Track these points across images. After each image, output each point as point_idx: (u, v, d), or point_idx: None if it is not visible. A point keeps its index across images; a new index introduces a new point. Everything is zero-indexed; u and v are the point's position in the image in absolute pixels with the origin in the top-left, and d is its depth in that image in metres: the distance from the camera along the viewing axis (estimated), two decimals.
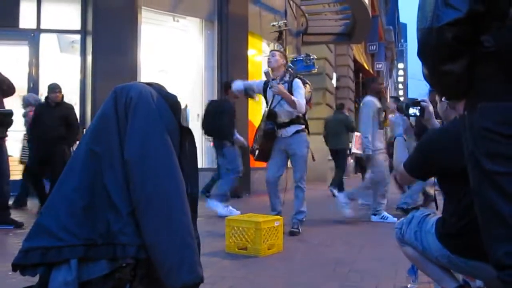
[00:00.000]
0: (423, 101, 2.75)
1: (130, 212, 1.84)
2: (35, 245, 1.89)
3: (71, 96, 9.34)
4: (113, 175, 1.85)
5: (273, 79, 5.22)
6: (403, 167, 2.49)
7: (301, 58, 5.65)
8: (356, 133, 10.71)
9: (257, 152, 5.24)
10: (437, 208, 2.72)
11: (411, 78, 78.72)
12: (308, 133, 5.43)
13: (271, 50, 5.45)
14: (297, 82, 5.19)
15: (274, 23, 6.57)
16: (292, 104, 5.01)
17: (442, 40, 1.35)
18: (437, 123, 2.74)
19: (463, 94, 1.49)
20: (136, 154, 1.84)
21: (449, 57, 1.39)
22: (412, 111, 2.72)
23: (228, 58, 10.52)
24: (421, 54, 1.46)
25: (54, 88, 6.65)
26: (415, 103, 2.74)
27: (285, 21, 7.18)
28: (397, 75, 59.56)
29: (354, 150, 10.36)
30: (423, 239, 2.45)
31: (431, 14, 1.35)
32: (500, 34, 1.33)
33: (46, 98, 6.77)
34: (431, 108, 2.73)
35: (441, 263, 2.38)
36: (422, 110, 2.70)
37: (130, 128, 1.86)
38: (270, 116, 5.18)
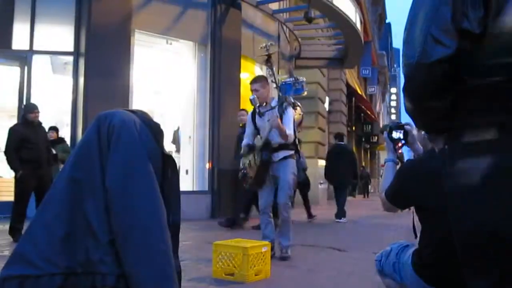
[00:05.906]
0: (407, 124, 2.68)
1: (110, 240, 1.82)
2: (13, 274, 1.85)
3: (63, 117, 9.36)
4: (94, 203, 1.84)
5: (259, 106, 5.29)
6: (384, 195, 2.48)
7: (290, 82, 5.64)
8: None
9: (250, 180, 5.23)
10: (416, 237, 2.71)
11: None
12: (299, 156, 5.47)
13: (252, 82, 5.44)
14: (289, 111, 5.25)
15: (262, 46, 6.60)
16: (284, 137, 5.13)
17: (432, 76, 1.33)
18: (420, 148, 2.71)
19: (443, 129, 1.50)
20: (117, 182, 1.83)
21: (435, 93, 1.38)
22: (395, 134, 2.66)
23: (221, 81, 10.58)
24: (407, 89, 1.45)
25: (33, 108, 6.40)
26: (399, 126, 2.68)
27: (272, 42, 7.17)
28: (390, 100, 60.09)
29: None
30: (401, 270, 2.44)
31: (419, 50, 1.34)
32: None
33: (24, 118, 6.43)
34: (415, 132, 2.67)
35: None
36: (406, 133, 2.65)
37: (112, 156, 1.86)
38: (266, 146, 5.22)
